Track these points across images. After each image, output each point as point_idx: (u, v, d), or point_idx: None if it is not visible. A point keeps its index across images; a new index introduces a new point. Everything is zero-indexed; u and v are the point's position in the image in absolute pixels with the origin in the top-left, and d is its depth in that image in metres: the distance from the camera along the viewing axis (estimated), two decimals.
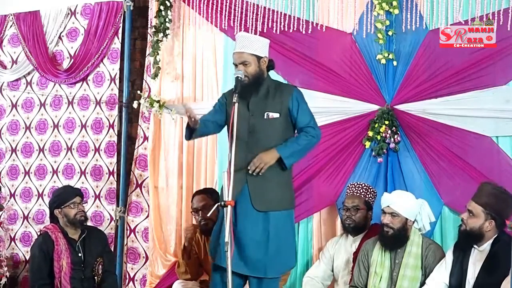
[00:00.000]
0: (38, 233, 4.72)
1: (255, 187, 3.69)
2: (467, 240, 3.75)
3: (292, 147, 3.74)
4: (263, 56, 3.81)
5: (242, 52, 3.75)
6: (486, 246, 3.72)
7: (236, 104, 3.57)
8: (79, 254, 4.46)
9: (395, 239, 4.03)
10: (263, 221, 3.70)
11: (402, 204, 4.03)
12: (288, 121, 3.81)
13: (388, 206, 4.05)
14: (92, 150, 5.75)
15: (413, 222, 4.08)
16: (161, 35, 5.32)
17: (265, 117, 3.75)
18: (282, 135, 3.78)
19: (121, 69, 5.65)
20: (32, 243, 4.81)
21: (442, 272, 3.86)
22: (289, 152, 3.72)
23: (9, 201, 5.96)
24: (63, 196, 4.55)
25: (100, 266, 4.50)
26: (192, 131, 3.75)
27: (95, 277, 4.48)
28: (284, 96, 3.79)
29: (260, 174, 3.66)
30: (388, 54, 4.74)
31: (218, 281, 3.77)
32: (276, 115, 3.75)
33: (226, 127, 3.90)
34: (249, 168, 3.66)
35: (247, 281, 3.81)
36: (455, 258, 3.82)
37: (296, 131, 3.86)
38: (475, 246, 3.75)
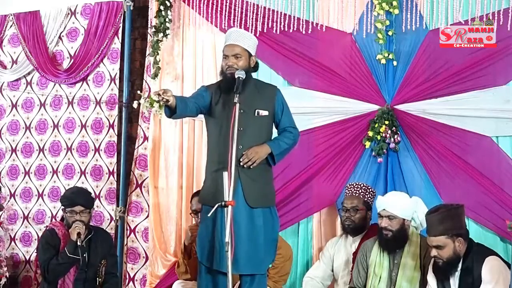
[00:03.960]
0: (45, 228, 4.71)
1: (247, 184, 3.69)
2: (449, 268, 3.71)
3: (282, 145, 3.79)
4: (254, 54, 3.83)
5: (236, 45, 3.75)
6: (461, 263, 3.72)
7: (237, 105, 3.58)
8: (84, 255, 4.45)
9: (395, 241, 4.02)
10: (256, 218, 3.72)
11: (397, 205, 4.02)
12: (272, 120, 3.85)
13: (384, 209, 4.04)
14: (92, 150, 5.75)
15: (410, 220, 4.08)
16: (161, 35, 5.32)
17: (255, 114, 3.76)
18: (267, 132, 3.83)
19: (121, 69, 5.65)
20: (39, 237, 4.81)
21: None
22: (279, 150, 3.78)
23: (9, 201, 5.96)
24: (65, 201, 4.55)
25: (104, 269, 4.50)
26: (171, 108, 3.66)
27: (98, 279, 4.48)
28: (270, 95, 3.83)
29: (251, 167, 3.68)
30: (388, 54, 4.74)
31: (209, 283, 3.77)
32: (266, 112, 3.79)
33: (205, 121, 3.91)
34: (241, 160, 3.66)
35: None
36: (439, 283, 3.79)
37: (278, 131, 3.90)
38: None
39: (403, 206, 4.02)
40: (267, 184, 3.84)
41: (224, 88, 3.77)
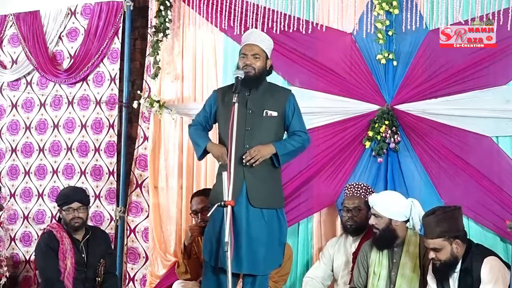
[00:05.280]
0: (42, 231, 4.71)
1: (252, 184, 3.70)
2: (447, 270, 3.72)
3: (288, 147, 3.79)
4: (270, 58, 3.88)
5: (256, 45, 3.80)
6: (460, 264, 3.73)
7: (236, 104, 3.58)
8: (83, 255, 4.45)
9: (382, 240, 4.04)
10: (259, 218, 3.72)
11: (385, 205, 4.02)
12: (282, 122, 3.85)
13: (372, 207, 4.06)
14: (92, 150, 5.75)
15: (407, 221, 4.07)
16: (161, 35, 5.32)
17: (264, 114, 3.78)
18: (276, 133, 3.83)
19: (121, 69, 5.65)
20: (37, 241, 4.81)
21: None
22: (285, 151, 3.77)
23: (9, 201, 5.96)
24: (62, 199, 4.55)
25: (102, 268, 4.50)
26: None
27: (97, 278, 4.48)
28: (281, 97, 3.85)
29: (253, 165, 3.68)
30: (388, 54, 4.74)
31: (213, 282, 3.78)
32: (275, 113, 3.80)
33: (217, 122, 3.96)
34: (244, 157, 3.67)
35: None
36: (439, 283, 3.80)
37: (287, 134, 3.90)
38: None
39: (392, 207, 4.01)
40: (274, 186, 3.83)
41: (242, 85, 3.76)
